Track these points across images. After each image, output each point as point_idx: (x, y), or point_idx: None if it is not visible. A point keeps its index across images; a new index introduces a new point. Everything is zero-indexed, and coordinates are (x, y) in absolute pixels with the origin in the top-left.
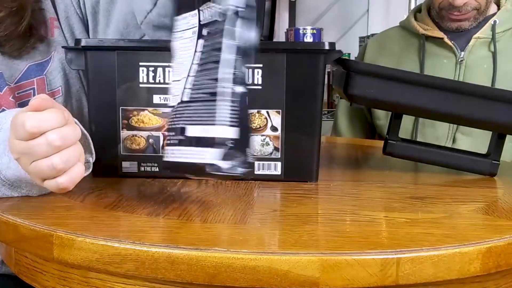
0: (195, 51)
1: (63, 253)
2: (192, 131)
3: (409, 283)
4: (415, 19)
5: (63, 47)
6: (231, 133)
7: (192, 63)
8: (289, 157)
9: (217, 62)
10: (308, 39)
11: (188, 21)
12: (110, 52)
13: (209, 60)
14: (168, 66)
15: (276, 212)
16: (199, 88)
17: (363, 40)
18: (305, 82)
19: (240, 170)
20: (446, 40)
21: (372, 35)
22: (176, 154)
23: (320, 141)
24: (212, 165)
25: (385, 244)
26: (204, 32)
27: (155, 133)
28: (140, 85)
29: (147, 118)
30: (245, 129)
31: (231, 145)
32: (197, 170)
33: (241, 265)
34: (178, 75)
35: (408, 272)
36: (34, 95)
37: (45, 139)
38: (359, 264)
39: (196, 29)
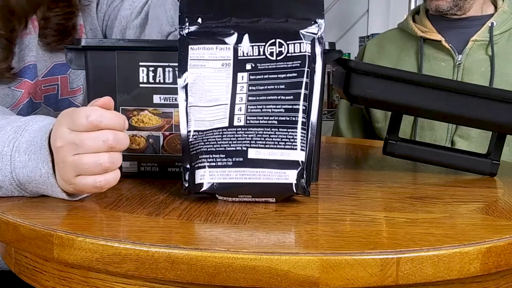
0: (236, 82)
1: (63, 253)
2: (256, 153)
3: (409, 283)
4: (414, 21)
5: (64, 46)
6: (303, 156)
7: (235, 93)
8: None
9: (286, 94)
10: None
11: (214, 52)
12: (110, 52)
13: (269, 92)
14: (168, 66)
15: (276, 212)
16: (260, 115)
17: (363, 40)
18: None
19: (308, 189)
20: (444, 43)
21: (372, 35)
22: (234, 175)
23: (320, 141)
24: (291, 185)
25: (385, 244)
26: (248, 66)
27: (155, 133)
28: (140, 85)
29: (147, 118)
30: (310, 152)
31: (303, 166)
32: (273, 190)
33: (241, 265)
34: (207, 101)
35: (408, 272)
36: (58, 90)
37: (102, 135)
38: (359, 264)
39: (230, 62)
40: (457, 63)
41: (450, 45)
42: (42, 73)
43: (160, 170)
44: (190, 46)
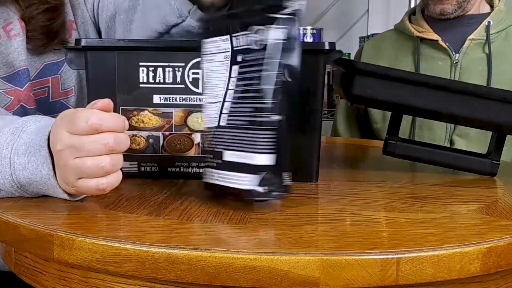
0: (230, 76)
1: (63, 253)
2: (229, 156)
3: (409, 283)
4: (410, 21)
5: (63, 46)
6: (269, 160)
7: (227, 88)
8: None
9: (257, 91)
10: (308, 39)
11: (219, 45)
12: (110, 52)
13: (246, 88)
14: (168, 66)
15: (276, 212)
16: (236, 114)
17: (363, 40)
18: (305, 82)
19: (275, 194)
20: (441, 42)
21: (372, 35)
22: (215, 177)
23: (320, 141)
24: (249, 191)
25: (385, 244)
26: (239, 58)
27: (155, 133)
28: (140, 85)
29: (147, 118)
30: (282, 154)
31: (268, 171)
32: (236, 194)
33: (241, 265)
34: (213, 97)
35: (408, 272)
36: (48, 93)
37: (102, 138)
38: (359, 264)
39: (229, 54)
40: (454, 62)
41: (447, 44)
42: (32, 75)
43: (160, 170)
44: (202, 40)
